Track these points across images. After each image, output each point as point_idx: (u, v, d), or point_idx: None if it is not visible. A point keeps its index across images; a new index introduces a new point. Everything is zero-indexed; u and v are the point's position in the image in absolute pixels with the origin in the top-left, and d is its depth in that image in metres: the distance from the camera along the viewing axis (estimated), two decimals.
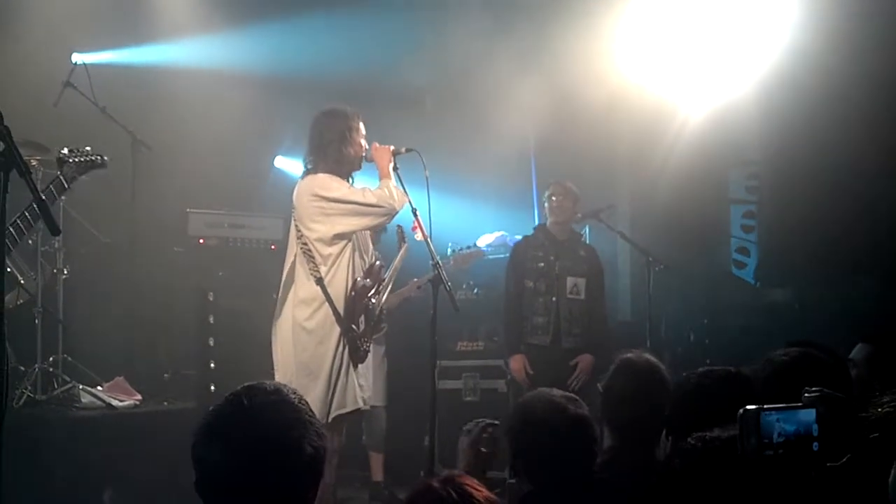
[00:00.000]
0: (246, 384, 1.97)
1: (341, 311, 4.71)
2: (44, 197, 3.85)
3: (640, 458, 2.98)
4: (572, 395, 2.95)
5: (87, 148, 4.54)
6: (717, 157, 7.40)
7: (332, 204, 4.71)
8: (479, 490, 2.17)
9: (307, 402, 1.98)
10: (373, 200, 4.73)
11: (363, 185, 4.86)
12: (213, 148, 7.43)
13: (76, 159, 4.44)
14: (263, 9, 7.60)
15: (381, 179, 4.84)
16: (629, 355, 3.26)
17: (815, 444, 2.05)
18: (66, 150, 4.35)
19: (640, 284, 6.59)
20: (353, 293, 4.74)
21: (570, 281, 6.24)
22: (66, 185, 4.39)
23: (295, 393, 1.97)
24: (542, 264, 6.28)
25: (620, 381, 3.16)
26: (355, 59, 7.50)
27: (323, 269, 4.71)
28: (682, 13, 7.19)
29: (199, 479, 1.89)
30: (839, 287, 6.77)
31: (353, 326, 4.75)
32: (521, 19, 7.36)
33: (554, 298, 6.22)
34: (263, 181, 7.99)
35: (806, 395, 2.30)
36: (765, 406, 2.03)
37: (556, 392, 2.95)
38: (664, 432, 2.82)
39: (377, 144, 4.88)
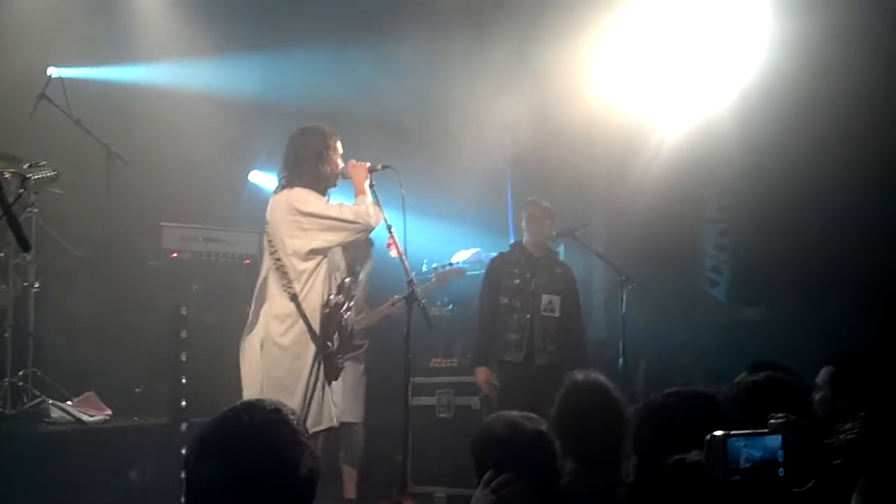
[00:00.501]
0: (245, 401, 1.95)
1: (316, 328, 4.68)
2: (13, 214, 3.86)
3: (601, 479, 2.98)
4: (530, 413, 2.94)
5: (44, 162, 4.52)
6: (693, 176, 7.45)
7: (309, 218, 4.69)
8: None
9: (303, 424, 1.97)
10: (349, 216, 4.72)
11: (339, 202, 4.85)
12: (187, 162, 7.41)
13: (36, 176, 4.43)
14: (243, 33, 7.61)
15: (357, 196, 4.83)
16: (578, 377, 3.26)
17: (781, 469, 2.08)
18: (26, 166, 4.32)
19: (614, 302, 6.61)
20: (327, 310, 4.72)
21: (545, 298, 6.27)
22: (29, 203, 4.37)
23: (293, 413, 1.96)
24: (518, 281, 6.30)
25: (569, 403, 3.16)
26: (332, 79, 7.52)
27: (297, 286, 4.68)
28: (659, 33, 7.26)
29: (190, 495, 1.87)
30: (812, 306, 6.82)
31: (329, 343, 4.73)
32: (499, 39, 7.39)
33: (528, 315, 6.24)
34: (238, 196, 7.97)
35: (771, 421, 2.33)
36: (731, 432, 2.05)
37: (514, 412, 2.96)
38: (634, 457, 2.82)
39: (354, 161, 4.88)
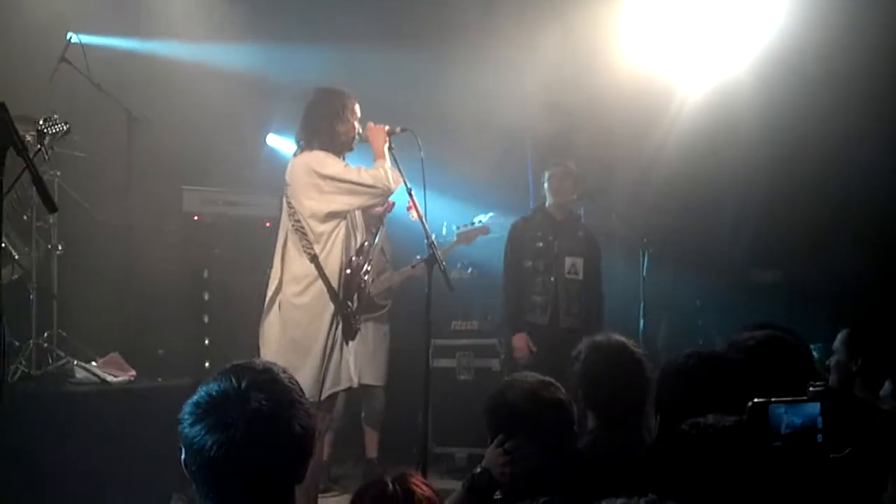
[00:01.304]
0: (235, 363, 1.97)
1: (337, 288, 4.71)
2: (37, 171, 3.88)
3: (623, 438, 3.01)
4: (548, 379, 2.95)
5: (55, 115, 4.50)
6: (713, 139, 7.40)
7: (328, 181, 4.70)
8: (421, 488, 2.31)
9: (297, 381, 1.99)
10: (368, 180, 4.72)
11: (359, 165, 4.85)
12: (206, 125, 7.41)
13: (51, 130, 4.40)
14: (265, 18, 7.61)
15: (375, 159, 4.82)
16: (599, 338, 3.28)
17: (820, 436, 2.10)
18: (41, 121, 4.30)
19: (634, 264, 6.60)
20: (348, 271, 4.74)
21: (568, 261, 6.28)
22: (46, 158, 4.35)
23: (285, 372, 1.98)
24: (541, 244, 6.31)
25: (593, 362, 3.17)
26: (347, 44, 7.49)
27: (317, 247, 4.70)
28: None
29: (188, 458, 1.90)
30: (829, 269, 6.79)
31: (349, 304, 4.75)
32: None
33: (552, 278, 6.26)
34: (257, 158, 7.98)
35: (811, 388, 2.35)
36: (773, 399, 2.07)
37: (531, 376, 2.97)
38: (657, 417, 2.84)
39: (372, 124, 4.87)
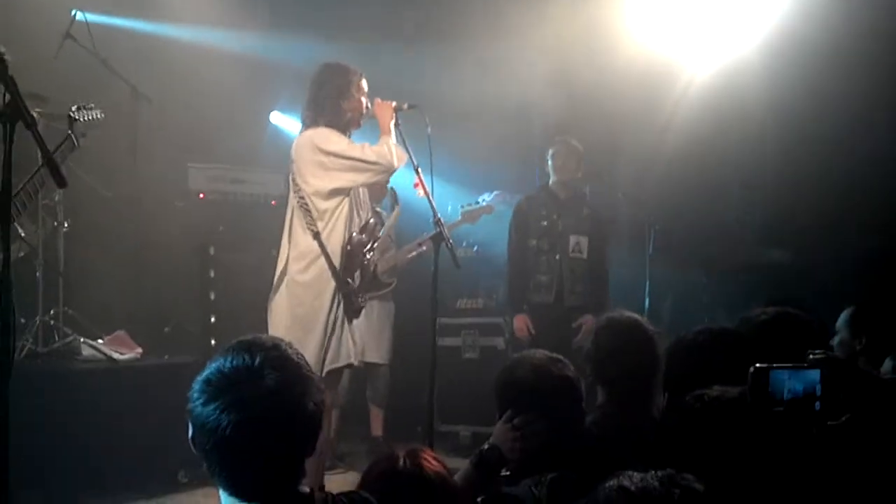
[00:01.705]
0: (242, 339, 1.95)
1: (338, 265, 4.72)
2: (56, 156, 3.86)
3: (632, 415, 3.01)
4: (556, 356, 2.95)
5: (92, 104, 4.44)
6: (721, 118, 7.36)
7: (331, 158, 4.68)
8: (431, 463, 2.31)
9: (304, 357, 1.98)
10: (372, 157, 4.70)
11: (363, 142, 4.84)
12: (211, 102, 7.40)
13: (84, 116, 4.34)
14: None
15: (381, 136, 4.80)
16: (611, 314, 3.29)
17: (818, 403, 2.10)
18: (74, 108, 4.23)
19: (640, 243, 6.60)
20: (349, 247, 4.75)
21: (572, 239, 6.27)
22: (76, 144, 4.28)
23: (292, 347, 1.97)
24: (546, 223, 6.29)
25: (605, 338, 3.18)
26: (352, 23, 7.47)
27: (320, 224, 4.70)
28: None
29: (199, 436, 1.89)
30: (839, 249, 6.77)
31: (349, 281, 4.76)
32: None
33: (557, 256, 6.25)
34: (262, 136, 7.97)
35: (811, 356, 2.34)
36: (775, 364, 2.08)
37: (540, 353, 2.96)
38: (664, 392, 2.84)
39: (379, 100, 4.85)
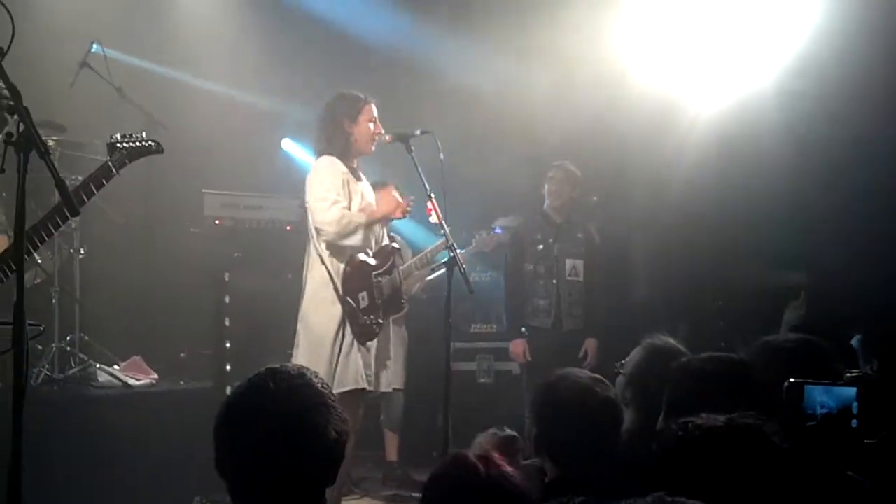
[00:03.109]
0: (269, 367, 1.97)
1: (340, 287, 4.79)
2: (91, 183, 3.87)
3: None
4: (598, 376, 2.93)
5: (143, 133, 4.41)
6: (732, 142, 7.35)
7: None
8: (509, 470, 2.20)
9: (329, 387, 1.99)
10: (329, 218, 4.76)
11: (342, 203, 4.86)
12: (226, 128, 7.48)
13: (128, 144, 4.28)
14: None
15: (368, 214, 4.89)
16: (657, 342, 3.25)
17: (855, 420, 2.12)
18: (118, 136, 4.20)
19: (654, 266, 6.58)
20: (349, 269, 4.81)
21: (568, 263, 6.32)
22: (114, 172, 4.23)
23: (317, 377, 1.98)
24: (541, 247, 6.33)
25: (652, 367, 3.12)
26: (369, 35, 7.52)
27: (324, 249, 4.83)
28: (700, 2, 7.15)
29: (221, 460, 1.90)
30: (853, 272, 6.72)
31: (349, 300, 4.80)
32: (531, 12, 7.30)
33: (554, 281, 6.28)
34: (275, 163, 8.03)
35: (848, 374, 2.36)
36: (809, 380, 2.09)
37: (583, 374, 2.94)
38: (662, 416, 2.80)
39: (389, 193, 5.02)
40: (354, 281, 4.83)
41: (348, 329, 4.81)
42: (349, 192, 4.91)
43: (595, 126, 7.27)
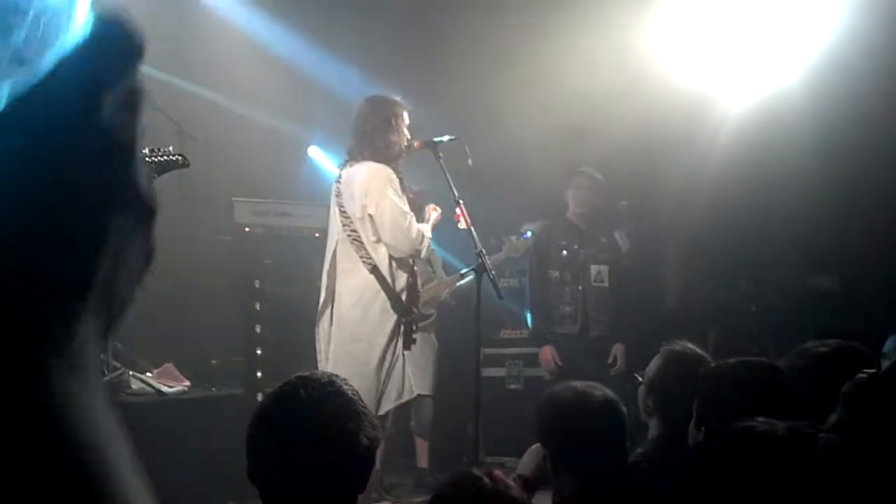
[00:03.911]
0: (299, 375, 1.98)
1: (402, 295, 4.72)
2: None
3: (685, 450, 2.96)
4: (595, 383, 2.93)
5: (170, 147, 4.43)
6: (763, 141, 7.30)
7: (378, 207, 4.73)
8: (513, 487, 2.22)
9: (358, 393, 1.99)
10: (412, 236, 4.75)
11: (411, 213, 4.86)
12: (255, 137, 7.54)
13: (156, 159, 4.31)
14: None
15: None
16: (676, 347, 3.23)
17: None
18: (146, 150, 4.24)
19: (685, 269, 6.55)
20: (410, 280, 4.76)
21: (594, 269, 6.29)
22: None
23: (347, 383, 1.99)
24: (566, 253, 6.31)
25: (672, 373, 3.12)
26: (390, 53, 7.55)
27: (376, 257, 4.72)
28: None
29: (253, 469, 1.91)
30: (888, 275, 6.66)
31: (414, 310, 4.77)
32: (559, 13, 7.30)
33: (580, 287, 6.26)
34: (302, 170, 8.09)
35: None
36: None
37: (580, 383, 2.95)
38: (693, 422, 2.77)
39: (434, 211, 5.02)
40: (412, 292, 4.80)
41: (398, 340, 4.75)
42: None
43: (623, 127, 7.25)
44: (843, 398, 1.78)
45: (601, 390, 2.87)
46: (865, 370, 1.98)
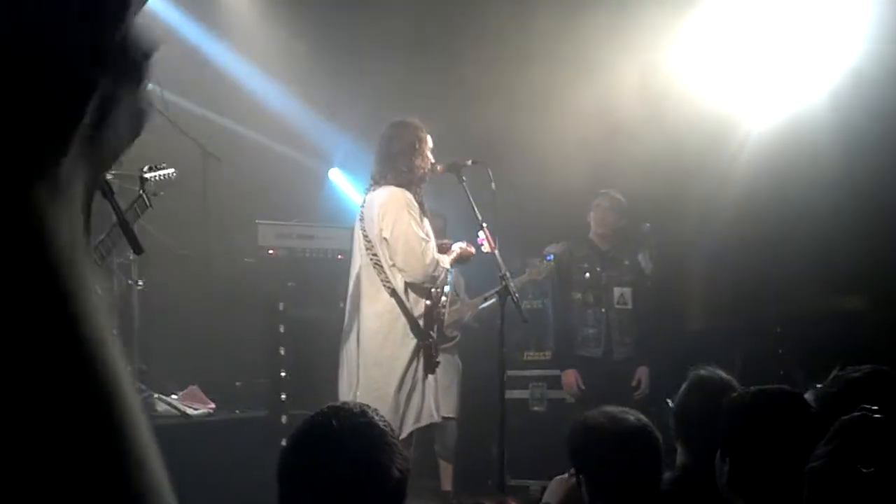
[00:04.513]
0: (330, 405, 1.98)
1: (420, 321, 4.73)
2: (126, 217, 3.95)
3: (713, 476, 2.93)
4: (628, 408, 2.91)
5: (164, 164, 4.54)
6: (788, 162, 7.27)
7: (395, 233, 4.75)
8: None
9: (390, 424, 1.99)
10: (425, 262, 4.73)
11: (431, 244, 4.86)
12: (277, 159, 7.60)
13: (156, 177, 4.43)
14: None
15: (450, 260, 4.92)
16: (702, 372, 3.21)
17: None
18: (146, 168, 4.34)
19: (710, 292, 6.51)
20: (429, 302, 4.76)
21: (616, 291, 6.26)
22: (148, 204, 4.36)
23: (378, 414, 1.99)
24: (588, 275, 6.29)
25: (695, 400, 3.10)
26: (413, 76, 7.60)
27: (395, 281, 4.74)
28: (750, 18, 7.10)
29: (285, 498, 1.91)
30: None
31: (432, 334, 4.77)
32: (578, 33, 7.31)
33: (603, 309, 6.22)
34: (323, 192, 8.13)
35: None
36: None
37: (613, 407, 2.92)
38: (719, 454, 2.73)
39: (464, 248, 4.99)
40: (433, 315, 4.81)
41: (420, 364, 4.75)
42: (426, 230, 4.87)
43: (646, 150, 7.24)
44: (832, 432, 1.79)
45: (635, 416, 2.85)
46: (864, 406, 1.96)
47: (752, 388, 2.77)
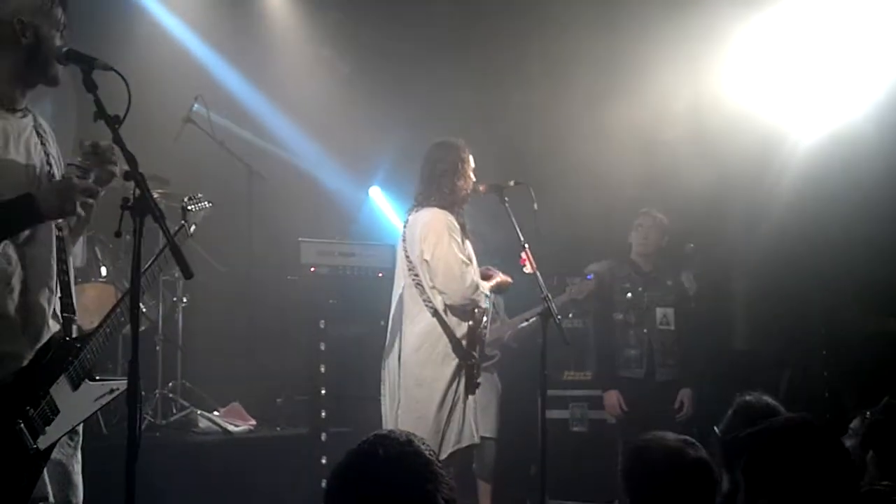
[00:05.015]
0: (377, 433, 1.99)
1: (463, 341, 4.73)
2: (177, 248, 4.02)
3: None
4: (688, 437, 2.87)
5: (200, 195, 4.63)
6: (832, 181, 7.19)
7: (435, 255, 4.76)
8: None
9: (435, 452, 2.00)
10: (465, 286, 4.74)
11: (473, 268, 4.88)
12: (320, 178, 7.67)
13: (195, 207, 4.52)
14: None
15: (491, 287, 4.94)
16: (748, 398, 3.17)
17: None
18: (186, 199, 4.44)
19: (756, 312, 6.44)
20: (471, 322, 4.77)
21: (659, 312, 6.19)
22: (189, 234, 4.44)
23: (424, 443, 1.99)
24: (630, 295, 6.24)
25: (740, 426, 3.06)
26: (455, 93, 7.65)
27: (437, 301, 4.75)
28: (794, 33, 7.06)
29: None
30: None
31: (474, 354, 4.78)
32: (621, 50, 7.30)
33: (645, 330, 6.16)
34: (364, 211, 8.19)
35: None
36: None
37: (671, 435, 2.87)
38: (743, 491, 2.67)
39: (503, 279, 5.04)
40: (475, 335, 4.81)
41: (461, 384, 4.75)
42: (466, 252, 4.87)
43: (689, 169, 7.20)
44: None
45: (693, 448, 2.80)
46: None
47: (775, 419, 2.73)
